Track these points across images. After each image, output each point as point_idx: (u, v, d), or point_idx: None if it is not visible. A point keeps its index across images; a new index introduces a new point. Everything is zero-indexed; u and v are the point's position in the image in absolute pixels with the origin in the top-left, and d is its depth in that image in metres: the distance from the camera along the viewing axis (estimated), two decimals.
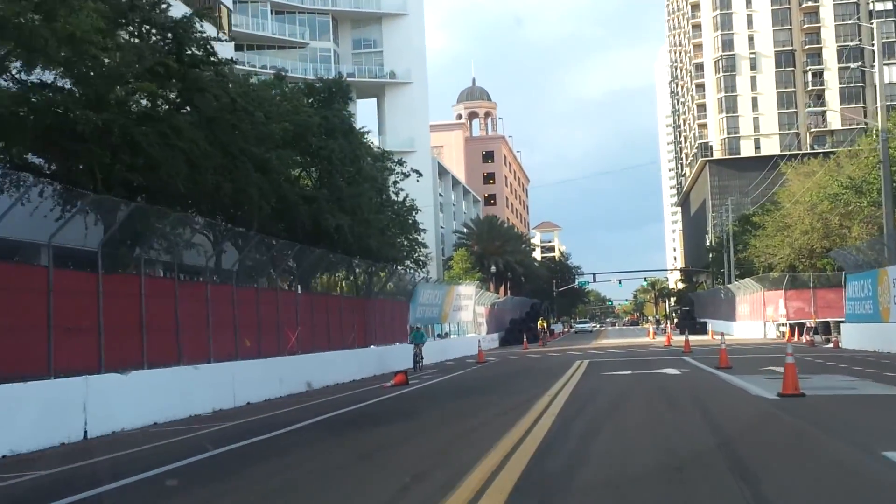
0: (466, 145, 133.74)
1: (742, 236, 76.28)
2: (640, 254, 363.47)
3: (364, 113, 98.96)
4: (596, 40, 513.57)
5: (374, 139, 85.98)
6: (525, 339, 56.75)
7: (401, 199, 39.28)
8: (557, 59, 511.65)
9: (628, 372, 25.52)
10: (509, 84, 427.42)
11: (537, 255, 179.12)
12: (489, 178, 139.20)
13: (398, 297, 37.66)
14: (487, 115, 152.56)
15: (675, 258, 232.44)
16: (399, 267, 38.50)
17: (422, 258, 41.73)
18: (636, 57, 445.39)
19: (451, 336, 49.95)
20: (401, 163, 39.17)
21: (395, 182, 39.17)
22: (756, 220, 65.47)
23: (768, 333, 54.84)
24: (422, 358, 32.27)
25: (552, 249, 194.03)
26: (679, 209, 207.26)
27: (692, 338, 58.29)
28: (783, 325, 51.34)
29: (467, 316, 50.47)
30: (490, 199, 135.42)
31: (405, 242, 39.73)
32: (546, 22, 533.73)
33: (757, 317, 57.99)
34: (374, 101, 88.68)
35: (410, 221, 39.57)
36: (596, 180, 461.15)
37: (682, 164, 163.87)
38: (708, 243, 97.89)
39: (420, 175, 40.43)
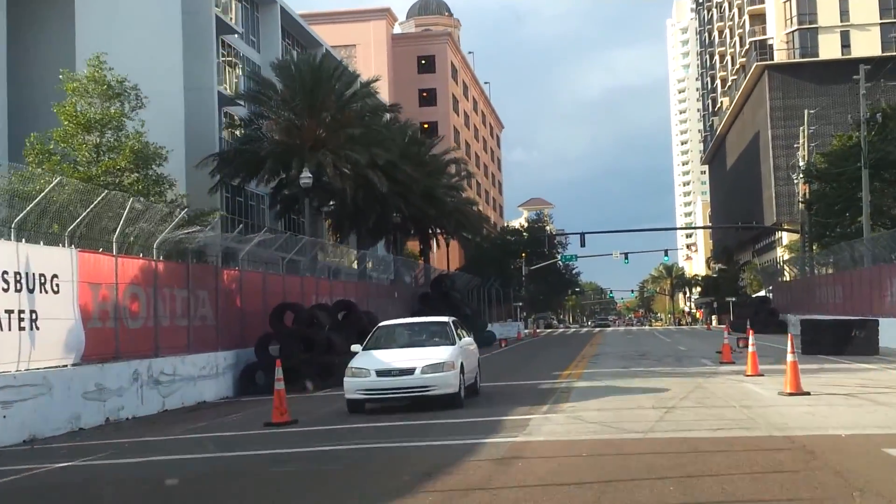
0: (393, 46, 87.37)
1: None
2: (647, 256, 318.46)
3: None
4: (596, 38, 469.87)
5: None
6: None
7: None
8: (557, 56, 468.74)
9: None
10: (509, 82, 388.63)
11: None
12: (429, 98, 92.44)
13: None
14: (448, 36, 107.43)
15: (689, 246, 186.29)
16: None
17: None
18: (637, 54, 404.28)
19: None
20: None
21: None
22: None
23: None
24: None
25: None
26: (703, 173, 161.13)
27: None
28: None
29: None
30: (430, 131, 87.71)
31: None
32: (545, 19, 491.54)
33: None
34: None
35: None
36: (597, 179, 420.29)
37: (714, 99, 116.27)
38: (798, 171, 51.30)
39: None
